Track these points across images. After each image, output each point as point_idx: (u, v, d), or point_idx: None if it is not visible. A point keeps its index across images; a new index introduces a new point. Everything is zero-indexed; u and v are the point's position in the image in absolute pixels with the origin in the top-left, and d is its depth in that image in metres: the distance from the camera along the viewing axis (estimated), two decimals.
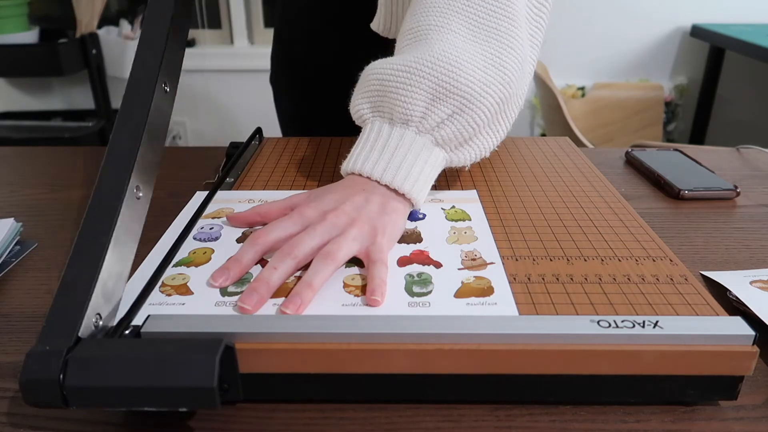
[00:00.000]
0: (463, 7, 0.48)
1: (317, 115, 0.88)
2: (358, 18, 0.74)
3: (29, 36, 2.09)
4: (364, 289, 0.38)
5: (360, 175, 0.46)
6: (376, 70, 0.48)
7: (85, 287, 0.32)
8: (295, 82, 0.88)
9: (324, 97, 0.85)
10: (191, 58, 2.31)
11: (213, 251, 0.43)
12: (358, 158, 0.47)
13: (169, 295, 0.37)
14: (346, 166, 0.48)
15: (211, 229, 0.46)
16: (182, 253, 0.43)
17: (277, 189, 0.55)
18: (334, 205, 0.43)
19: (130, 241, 0.37)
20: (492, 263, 0.41)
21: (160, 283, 0.39)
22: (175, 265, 0.41)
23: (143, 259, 0.42)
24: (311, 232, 0.41)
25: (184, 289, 0.38)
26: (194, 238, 0.45)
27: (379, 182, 0.45)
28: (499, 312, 0.36)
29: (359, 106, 0.49)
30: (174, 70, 0.44)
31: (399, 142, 0.46)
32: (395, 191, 0.45)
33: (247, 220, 0.46)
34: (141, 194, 0.38)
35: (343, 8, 0.78)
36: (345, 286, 0.39)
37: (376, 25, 0.67)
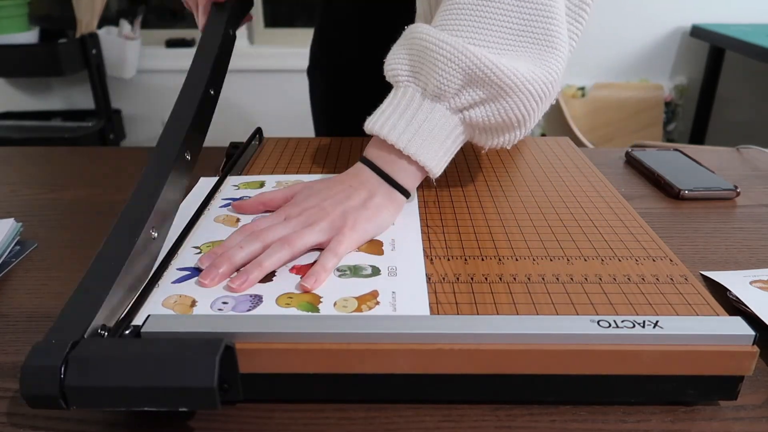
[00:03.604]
0: (501, 13, 0.46)
1: (350, 109, 0.88)
2: (400, 16, 0.74)
3: (29, 36, 2.09)
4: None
5: (377, 136, 0.47)
6: (421, 34, 0.46)
7: (95, 303, 0.33)
8: (331, 75, 0.88)
9: (359, 94, 0.85)
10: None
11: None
12: (385, 122, 0.46)
13: None
14: (368, 124, 0.47)
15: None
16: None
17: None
18: (317, 202, 0.46)
19: (144, 275, 0.38)
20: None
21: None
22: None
23: None
24: (285, 223, 0.44)
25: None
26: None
27: (394, 148, 0.46)
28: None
29: (397, 64, 0.48)
30: (197, 140, 0.48)
31: (428, 115, 0.46)
32: (392, 185, 0.47)
33: (251, 209, 0.49)
34: (156, 235, 0.40)
35: (385, 9, 0.77)
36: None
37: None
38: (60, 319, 0.32)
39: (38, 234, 0.54)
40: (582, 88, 2.27)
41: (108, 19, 2.24)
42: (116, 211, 0.58)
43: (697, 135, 2.29)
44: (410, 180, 0.47)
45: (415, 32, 0.47)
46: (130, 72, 2.20)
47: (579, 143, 1.62)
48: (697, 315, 0.35)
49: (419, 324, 0.33)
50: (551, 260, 0.42)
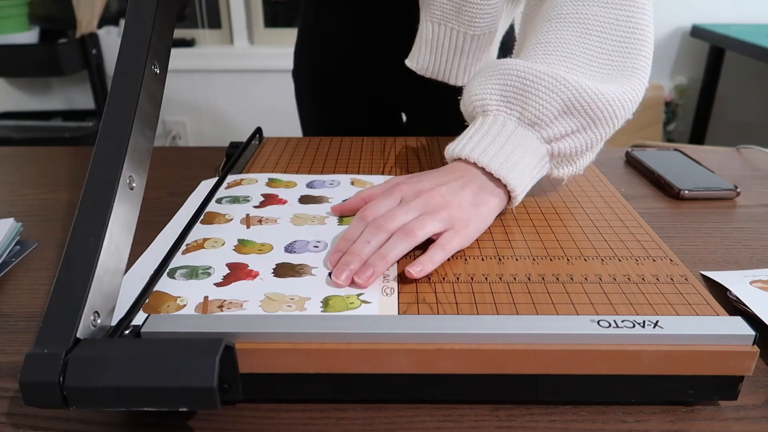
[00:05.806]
0: (596, 27, 0.49)
1: (338, 111, 0.89)
2: (387, 20, 0.75)
3: (29, 36, 2.09)
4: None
5: (466, 160, 0.47)
6: (516, 67, 0.48)
7: (80, 285, 0.31)
8: (318, 79, 0.88)
9: (345, 95, 0.87)
10: (191, 58, 2.31)
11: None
12: (475, 147, 0.47)
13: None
14: (456, 150, 0.48)
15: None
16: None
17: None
18: (431, 186, 0.45)
19: (125, 234, 0.36)
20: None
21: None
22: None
23: (138, 255, 0.43)
24: (405, 207, 0.43)
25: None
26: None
27: (484, 169, 0.46)
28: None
29: (487, 94, 0.49)
30: (164, 50, 0.42)
31: (521, 141, 0.47)
32: (494, 182, 0.46)
33: (353, 207, 0.47)
34: (135, 184, 0.37)
35: (373, 13, 0.78)
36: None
37: (414, 63, 0.66)
38: (47, 319, 0.31)
39: (38, 234, 0.54)
40: None
41: (108, 19, 2.24)
42: None
43: (697, 135, 2.28)
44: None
45: (506, 65, 0.48)
46: None
47: None
48: (697, 315, 0.35)
49: (419, 324, 0.33)
50: (551, 260, 0.42)
